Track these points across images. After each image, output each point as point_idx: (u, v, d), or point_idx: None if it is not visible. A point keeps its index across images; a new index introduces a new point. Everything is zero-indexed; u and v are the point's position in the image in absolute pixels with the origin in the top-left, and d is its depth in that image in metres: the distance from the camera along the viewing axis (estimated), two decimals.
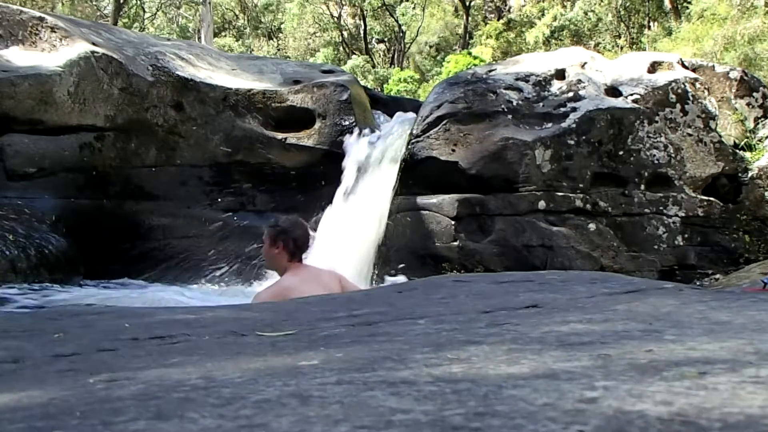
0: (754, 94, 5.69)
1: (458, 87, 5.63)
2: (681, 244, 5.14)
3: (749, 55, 12.81)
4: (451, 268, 5.07)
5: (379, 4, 27.30)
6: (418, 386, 0.82)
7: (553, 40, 23.44)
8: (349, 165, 5.96)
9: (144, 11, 26.75)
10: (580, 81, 5.46)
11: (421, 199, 5.39)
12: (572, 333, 1.18)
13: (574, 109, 5.25)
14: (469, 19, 27.24)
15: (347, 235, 5.60)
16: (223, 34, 30.81)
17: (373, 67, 26.48)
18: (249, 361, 1.12)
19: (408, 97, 15.32)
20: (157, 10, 27.91)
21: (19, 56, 5.77)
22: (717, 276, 4.93)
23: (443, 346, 1.13)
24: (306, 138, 6.31)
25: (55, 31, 5.94)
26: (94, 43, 6.02)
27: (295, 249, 3.25)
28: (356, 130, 6.19)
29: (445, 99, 5.56)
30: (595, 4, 24.67)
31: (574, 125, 5.16)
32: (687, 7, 19.31)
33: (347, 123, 6.25)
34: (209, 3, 21.71)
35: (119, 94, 5.95)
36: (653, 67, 5.60)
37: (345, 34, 29.56)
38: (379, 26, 28.98)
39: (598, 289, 1.87)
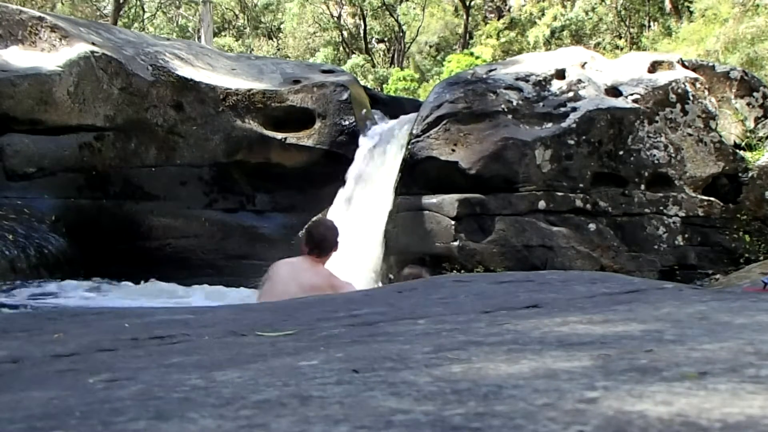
0: (755, 93, 5.69)
1: (458, 87, 5.62)
2: (681, 244, 5.13)
3: (751, 55, 12.79)
4: (451, 268, 5.07)
5: (379, 4, 27.31)
6: (418, 386, 0.82)
7: (554, 40, 23.45)
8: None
9: (144, 11, 26.74)
10: (580, 81, 5.46)
11: (421, 199, 5.39)
12: (572, 333, 1.18)
13: (574, 109, 5.24)
14: (469, 18, 27.24)
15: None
16: (223, 33, 30.81)
17: (373, 66, 26.48)
18: (249, 361, 1.12)
19: (408, 96, 15.32)
20: (157, 10, 27.91)
21: (19, 56, 5.77)
22: (717, 276, 4.93)
23: (443, 346, 1.13)
24: (306, 138, 6.31)
25: (54, 31, 5.94)
26: (93, 43, 6.03)
27: (312, 245, 3.75)
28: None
29: (445, 99, 5.55)
30: (595, 4, 24.67)
31: (574, 125, 5.15)
32: (688, 7, 19.31)
33: (347, 123, 6.25)
34: (209, 3, 21.71)
35: (119, 94, 5.96)
36: (653, 67, 5.60)
37: (345, 33, 29.56)
38: (379, 26, 28.98)
39: (598, 289, 1.87)
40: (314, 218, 4.30)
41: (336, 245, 3.90)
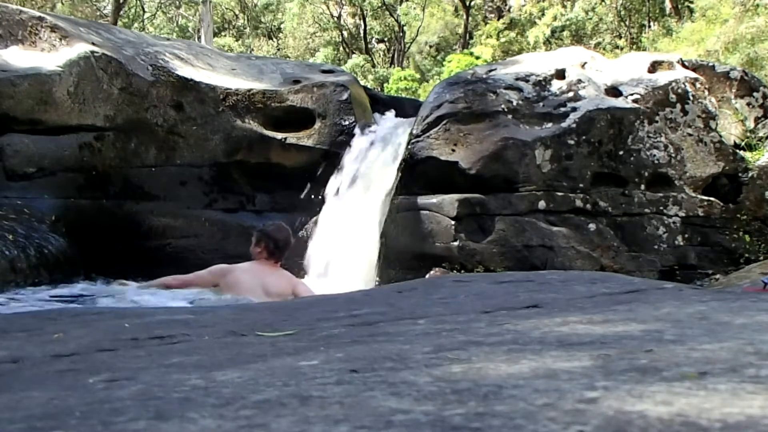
0: (755, 93, 5.69)
1: (458, 87, 5.62)
2: (681, 244, 5.13)
3: (751, 55, 12.79)
4: (451, 268, 5.07)
5: (379, 4, 27.32)
6: (418, 386, 0.82)
7: (554, 40, 23.46)
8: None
9: (144, 11, 26.73)
10: (580, 81, 5.46)
11: (421, 199, 5.39)
12: (572, 333, 1.19)
13: (574, 109, 5.24)
14: (469, 18, 27.25)
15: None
16: (223, 33, 30.83)
17: (373, 66, 26.49)
18: (249, 361, 1.12)
19: (408, 96, 15.32)
20: (157, 10, 27.91)
21: (19, 56, 5.76)
22: (717, 276, 4.93)
23: (443, 346, 1.13)
24: (306, 138, 6.31)
25: (54, 31, 5.94)
26: (93, 43, 6.02)
27: (274, 250, 3.67)
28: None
29: (445, 99, 5.55)
30: (595, 4, 24.68)
31: (574, 125, 5.15)
32: (688, 7, 19.30)
33: (347, 123, 6.25)
34: (209, 3, 21.71)
35: (119, 94, 5.95)
36: (653, 67, 5.60)
37: (345, 33, 29.58)
38: (379, 26, 29.00)
39: (598, 289, 1.87)
40: (269, 223, 4.32)
41: None
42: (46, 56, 5.77)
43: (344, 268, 5.63)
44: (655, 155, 5.18)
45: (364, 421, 0.67)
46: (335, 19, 29.09)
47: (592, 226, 5.06)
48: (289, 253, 4.42)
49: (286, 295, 3.68)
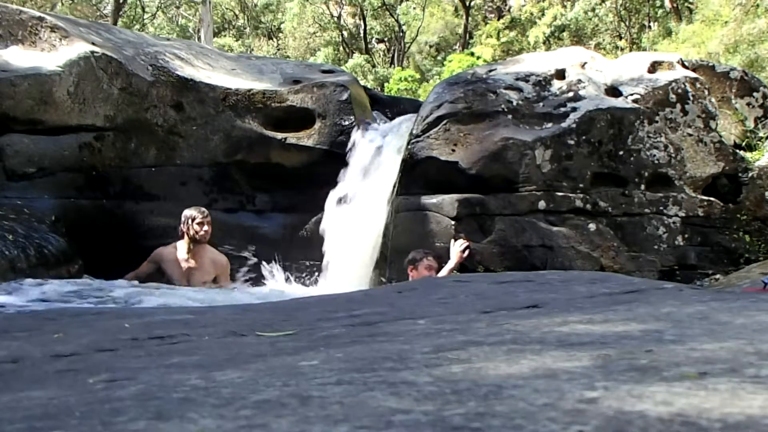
0: (755, 94, 5.69)
1: (458, 87, 5.62)
2: (681, 244, 5.13)
3: (751, 57, 12.79)
4: None
5: (379, 4, 27.33)
6: (418, 386, 0.82)
7: (553, 40, 23.47)
8: None
9: (144, 11, 26.73)
10: (580, 81, 5.46)
11: (421, 199, 5.38)
12: (572, 333, 1.19)
13: (574, 109, 5.24)
14: (469, 18, 27.26)
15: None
16: (223, 33, 30.84)
17: (374, 66, 26.50)
18: (249, 361, 1.12)
19: (408, 97, 15.32)
20: (157, 10, 27.91)
21: (19, 56, 5.76)
22: (717, 276, 4.93)
23: (443, 346, 1.13)
24: (306, 138, 6.31)
25: (54, 31, 5.94)
26: (93, 43, 6.02)
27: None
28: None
29: (445, 99, 5.55)
30: (595, 4, 24.67)
31: (574, 125, 5.15)
32: (688, 8, 19.30)
33: (347, 123, 6.25)
34: (209, 3, 21.70)
35: (119, 94, 5.95)
36: (653, 67, 5.59)
37: (345, 33, 29.58)
38: (379, 26, 29.01)
39: (598, 289, 1.87)
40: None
41: None
42: (46, 56, 5.77)
43: (345, 268, 5.63)
44: (655, 155, 5.18)
45: (364, 421, 0.67)
46: (335, 19, 29.11)
47: (592, 226, 5.06)
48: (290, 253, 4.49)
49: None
